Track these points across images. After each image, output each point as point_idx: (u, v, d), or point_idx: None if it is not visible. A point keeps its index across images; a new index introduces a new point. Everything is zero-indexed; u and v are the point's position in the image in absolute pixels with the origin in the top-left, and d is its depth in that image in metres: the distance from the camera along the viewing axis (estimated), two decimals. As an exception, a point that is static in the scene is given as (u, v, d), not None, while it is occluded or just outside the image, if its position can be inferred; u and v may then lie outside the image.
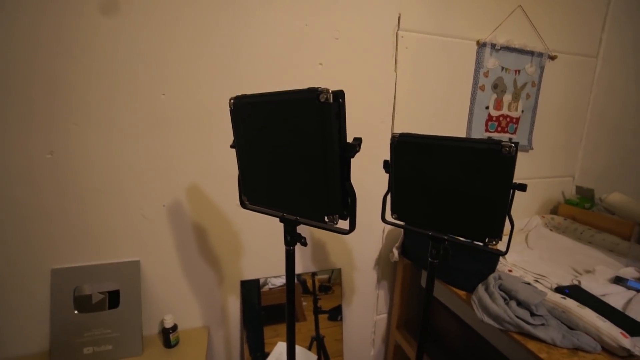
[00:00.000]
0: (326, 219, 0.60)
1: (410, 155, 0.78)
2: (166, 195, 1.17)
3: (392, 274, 1.59)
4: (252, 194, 0.75)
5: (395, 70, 1.35)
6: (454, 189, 0.71)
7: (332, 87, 0.54)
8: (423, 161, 0.76)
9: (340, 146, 0.56)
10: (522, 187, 0.64)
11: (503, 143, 0.63)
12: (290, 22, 1.18)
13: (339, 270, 1.47)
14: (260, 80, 1.18)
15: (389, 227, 1.52)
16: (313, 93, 0.54)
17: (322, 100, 0.53)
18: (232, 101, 0.69)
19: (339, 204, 0.59)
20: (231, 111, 0.69)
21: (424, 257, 1.22)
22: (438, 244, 0.79)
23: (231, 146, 0.73)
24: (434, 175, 0.74)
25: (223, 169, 1.20)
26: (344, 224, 0.61)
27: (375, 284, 1.57)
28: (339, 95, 0.54)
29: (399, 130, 1.40)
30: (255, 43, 1.15)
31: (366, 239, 1.49)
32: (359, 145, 0.56)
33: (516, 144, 0.63)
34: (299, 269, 1.41)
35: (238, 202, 0.80)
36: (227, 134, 0.92)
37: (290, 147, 0.62)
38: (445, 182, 0.72)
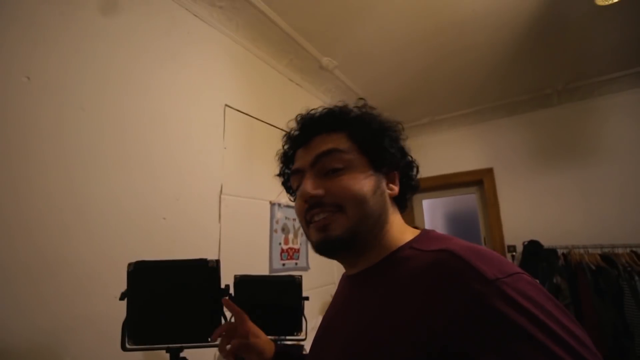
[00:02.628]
0: (209, 339, 0.95)
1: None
2: None
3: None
4: (138, 336, 0.97)
5: (220, 222, 1.89)
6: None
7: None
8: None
9: (218, 291, 0.98)
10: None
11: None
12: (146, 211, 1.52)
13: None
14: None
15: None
16: (203, 261, 0.97)
17: (210, 265, 0.97)
18: (131, 265, 0.97)
19: (217, 326, 0.97)
20: (130, 272, 0.96)
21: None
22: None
23: (121, 299, 0.96)
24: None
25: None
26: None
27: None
28: (217, 262, 0.99)
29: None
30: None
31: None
32: (229, 290, 1.00)
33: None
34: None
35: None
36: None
37: (181, 294, 0.97)
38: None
